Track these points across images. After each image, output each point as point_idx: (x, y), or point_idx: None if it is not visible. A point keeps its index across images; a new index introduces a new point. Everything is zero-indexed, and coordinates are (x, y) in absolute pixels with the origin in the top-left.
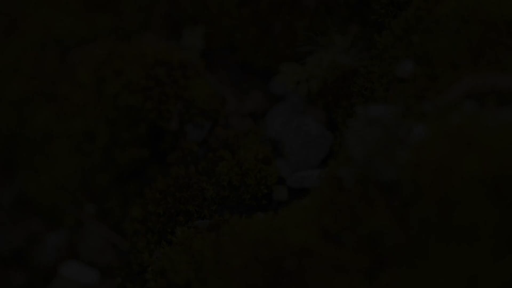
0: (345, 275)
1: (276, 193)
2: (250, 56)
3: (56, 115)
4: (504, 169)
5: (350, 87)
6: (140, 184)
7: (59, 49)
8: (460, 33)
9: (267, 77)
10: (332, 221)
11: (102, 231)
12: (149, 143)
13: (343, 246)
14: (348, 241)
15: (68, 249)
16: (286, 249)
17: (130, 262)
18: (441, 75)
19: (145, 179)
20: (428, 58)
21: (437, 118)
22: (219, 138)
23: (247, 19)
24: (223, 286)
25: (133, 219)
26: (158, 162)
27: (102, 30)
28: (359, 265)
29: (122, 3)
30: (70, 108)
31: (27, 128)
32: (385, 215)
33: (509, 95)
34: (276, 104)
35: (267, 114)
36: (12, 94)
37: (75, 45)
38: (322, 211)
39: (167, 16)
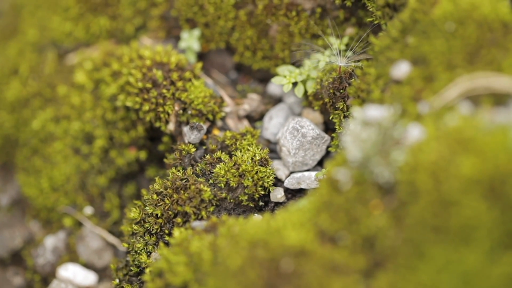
0: (341, 276)
1: (273, 194)
2: (247, 58)
3: (54, 117)
4: (499, 171)
5: (347, 89)
6: (137, 186)
7: (57, 51)
8: (456, 35)
9: (264, 79)
10: (329, 222)
11: (100, 233)
12: (147, 144)
13: (339, 247)
14: (344, 242)
15: (66, 251)
16: (283, 250)
17: (128, 264)
18: (437, 76)
19: (142, 181)
20: (424, 60)
21: (434, 120)
22: (216, 139)
23: (244, 21)
24: (221, 287)
25: (131, 221)
26: (155, 163)
27: (100, 33)
28: (356, 266)
29: (120, 7)
30: (68, 110)
31: (25, 130)
32: (381, 216)
33: (505, 96)
34: (273, 106)
35: (264, 115)
36: (10, 96)
37: (73, 47)
38: (319, 212)
39: (164, 18)
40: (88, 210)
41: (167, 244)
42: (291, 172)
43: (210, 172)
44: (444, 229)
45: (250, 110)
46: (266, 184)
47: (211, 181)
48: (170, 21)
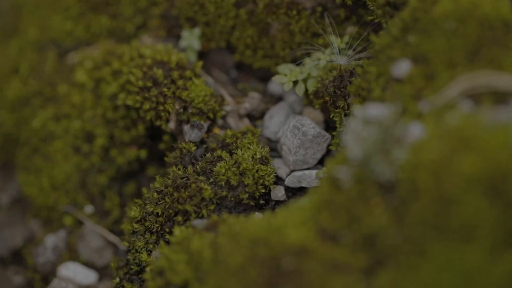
0: (342, 274)
1: (274, 193)
2: (247, 57)
3: (55, 116)
4: (500, 169)
5: (347, 87)
6: (138, 185)
7: (58, 50)
8: (457, 33)
9: (264, 78)
10: (329, 221)
11: (101, 232)
12: (147, 143)
13: (340, 245)
14: (345, 240)
15: (66, 250)
16: (284, 248)
17: (129, 262)
18: (438, 75)
19: (143, 180)
20: (425, 58)
21: (434, 118)
22: (217, 138)
23: (244, 20)
24: (221, 285)
25: (131, 219)
26: (156, 162)
27: (100, 32)
28: (357, 264)
29: (120, 6)
30: (68, 109)
31: (26, 129)
32: (382, 215)
33: (506, 95)
34: (273, 105)
35: (264, 114)
36: (11, 95)
37: (74, 47)
38: (320, 211)
39: (164, 17)
40: (89, 209)
41: (167, 242)
42: (292, 171)
43: (211, 170)
44: (445, 228)
45: (251, 108)
46: (266, 183)
47: (211, 180)
48: (170, 20)
